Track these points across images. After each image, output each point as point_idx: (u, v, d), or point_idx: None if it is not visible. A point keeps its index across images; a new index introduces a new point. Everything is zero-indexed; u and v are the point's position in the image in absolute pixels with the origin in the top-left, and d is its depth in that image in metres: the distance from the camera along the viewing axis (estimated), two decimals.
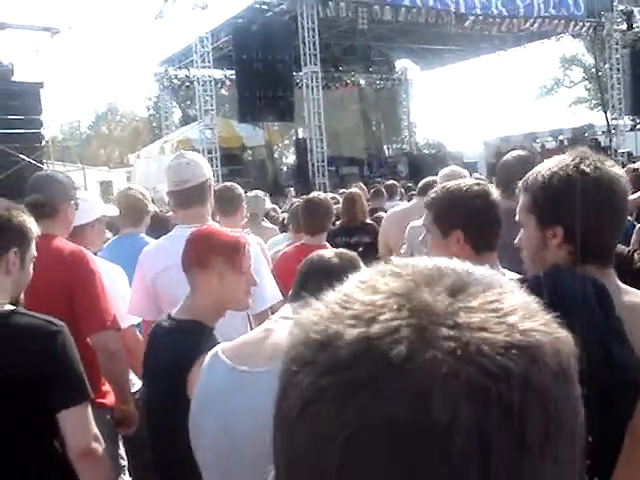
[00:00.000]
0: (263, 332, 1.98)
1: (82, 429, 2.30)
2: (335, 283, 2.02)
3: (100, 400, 3.08)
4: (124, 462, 3.36)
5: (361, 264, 2.14)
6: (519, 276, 1.88)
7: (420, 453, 0.52)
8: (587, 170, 1.67)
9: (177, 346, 2.36)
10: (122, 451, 3.38)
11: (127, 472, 3.38)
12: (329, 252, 2.17)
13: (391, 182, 10.84)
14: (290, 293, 2.11)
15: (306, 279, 2.07)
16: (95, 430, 2.34)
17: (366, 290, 0.60)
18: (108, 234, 4.79)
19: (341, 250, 2.20)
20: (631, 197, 4.87)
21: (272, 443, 0.64)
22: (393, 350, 0.53)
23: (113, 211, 4.45)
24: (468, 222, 2.34)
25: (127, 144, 55.87)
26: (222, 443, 1.89)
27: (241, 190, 5.00)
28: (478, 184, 2.42)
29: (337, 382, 0.55)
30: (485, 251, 2.34)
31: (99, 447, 2.35)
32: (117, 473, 3.16)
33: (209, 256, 2.52)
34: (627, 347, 1.53)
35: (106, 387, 3.26)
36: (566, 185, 1.69)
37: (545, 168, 1.75)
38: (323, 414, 0.55)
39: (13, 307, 2.37)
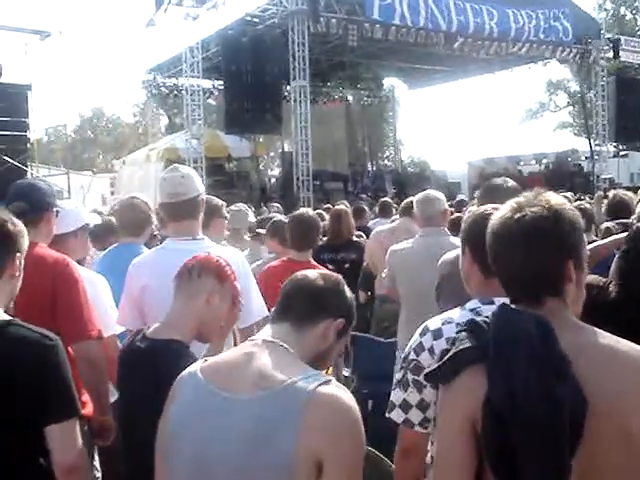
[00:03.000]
0: (244, 355, 1.90)
1: (70, 444, 2.28)
2: (321, 305, 2.02)
3: None
4: (98, 474, 3.33)
5: (345, 286, 2.14)
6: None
7: None
8: (501, 214, 1.78)
9: (163, 365, 2.32)
10: (97, 462, 3.34)
11: None
12: (314, 273, 2.12)
13: (386, 200, 10.65)
14: (272, 313, 2.08)
15: (289, 300, 2.04)
16: (81, 446, 2.32)
17: None
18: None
19: (325, 271, 2.19)
20: (611, 238, 4.88)
21: None
22: None
23: (96, 219, 4.42)
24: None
25: (112, 150, 55.73)
26: (196, 468, 1.82)
27: (220, 202, 4.97)
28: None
29: None
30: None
31: (85, 463, 2.33)
32: None
33: (229, 275, 2.61)
34: (570, 385, 1.53)
35: (85, 397, 3.23)
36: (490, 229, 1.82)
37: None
38: None
39: (10, 317, 2.35)
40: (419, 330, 2.33)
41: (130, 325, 3.37)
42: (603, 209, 6.92)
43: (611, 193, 8.04)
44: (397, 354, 5.01)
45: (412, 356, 2.29)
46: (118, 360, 2.69)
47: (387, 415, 2.34)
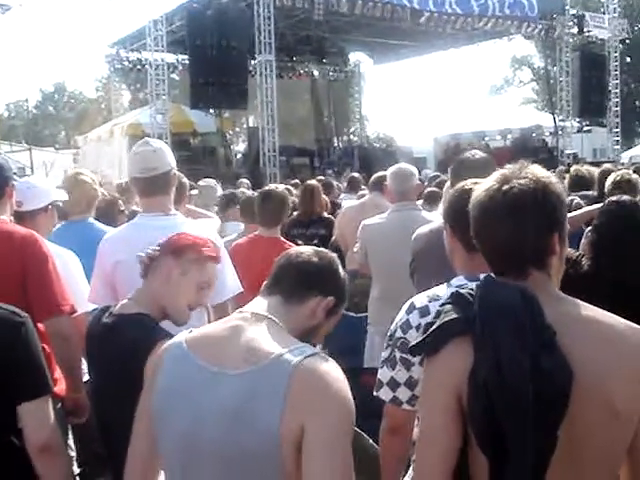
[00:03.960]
0: (232, 329, 1.87)
1: (43, 423, 2.25)
2: (312, 281, 2.00)
3: None
4: (73, 453, 3.30)
5: (339, 266, 2.12)
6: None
7: None
8: (485, 186, 1.76)
9: (129, 338, 2.31)
10: (71, 441, 3.31)
11: (76, 463, 3.32)
12: (309, 250, 2.10)
13: (355, 175, 10.58)
14: (263, 287, 2.05)
15: (282, 275, 2.03)
16: (54, 423, 2.29)
17: None
18: None
19: (321, 249, 2.15)
20: (581, 211, 4.96)
21: None
22: None
23: (64, 196, 4.36)
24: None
25: (74, 125, 54.93)
26: (185, 444, 1.80)
27: (185, 179, 4.92)
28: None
29: None
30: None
31: (59, 441, 2.31)
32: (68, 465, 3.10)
33: (185, 249, 2.55)
34: (556, 357, 1.54)
35: (57, 374, 3.19)
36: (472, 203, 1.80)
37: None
38: None
39: None
40: (405, 307, 2.32)
41: (102, 302, 3.32)
42: (565, 183, 7.01)
43: (572, 168, 8.19)
44: (368, 329, 5.04)
45: (399, 334, 2.28)
46: (85, 338, 2.65)
47: (375, 393, 2.33)
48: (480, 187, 1.79)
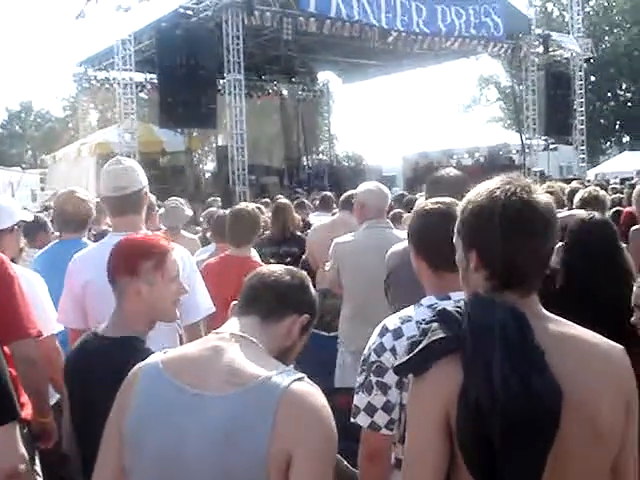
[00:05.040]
0: (211, 350, 1.84)
1: (10, 449, 2.18)
2: (287, 300, 1.99)
3: None
4: (40, 479, 3.22)
5: (310, 283, 2.11)
6: None
7: None
8: (501, 197, 1.65)
9: (114, 362, 2.24)
10: (38, 467, 3.23)
11: None
12: (280, 268, 2.10)
13: (327, 193, 10.55)
14: (236, 307, 2.03)
15: (256, 295, 2.01)
16: (22, 450, 2.23)
17: None
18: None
19: (291, 268, 2.14)
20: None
21: None
22: None
23: (29, 216, 4.29)
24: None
25: (41, 145, 54.49)
26: (166, 466, 1.76)
27: (153, 198, 4.88)
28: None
29: None
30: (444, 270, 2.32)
31: (25, 468, 2.24)
32: None
33: (139, 262, 2.47)
34: (546, 377, 1.53)
35: (24, 399, 3.12)
36: (481, 211, 1.68)
37: (473, 192, 1.75)
38: None
39: None
40: (377, 330, 2.30)
41: (71, 323, 3.27)
42: None
43: (545, 185, 8.27)
44: (339, 348, 5.01)
45: (373, 357, 2.25)
46: (68, 361, 2.60)
47: (352, 420, 2.30)
48: (488, 195, 1.70)
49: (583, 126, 27.36)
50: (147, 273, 2.48)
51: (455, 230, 1.79)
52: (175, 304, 2.62)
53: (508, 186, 1.68)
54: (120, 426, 1.85)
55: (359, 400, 2.29)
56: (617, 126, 47.41)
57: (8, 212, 3.71)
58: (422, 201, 3.45)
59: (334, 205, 9.46)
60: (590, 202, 5.49)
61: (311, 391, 1.76)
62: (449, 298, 2.15)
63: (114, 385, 1.94)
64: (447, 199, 2.45)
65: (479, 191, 1.72)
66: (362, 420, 2.28)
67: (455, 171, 3.53)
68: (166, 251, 2.55)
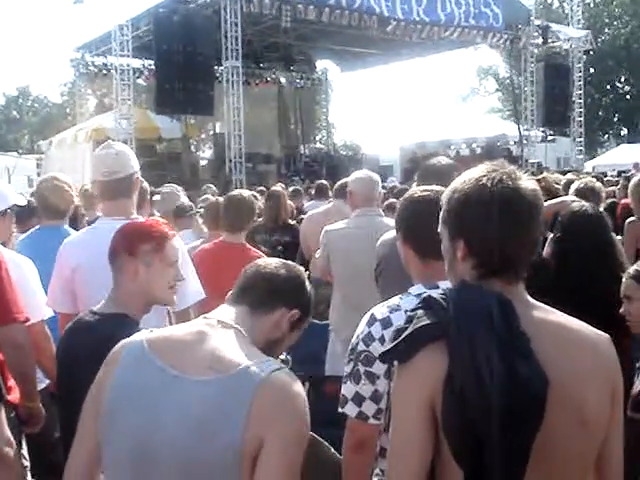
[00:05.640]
0: (197, 334, 1.84)
1: None
2: (279, 293, 1.99)
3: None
4: (27, 463, 3.22)
5: (306, 279, 2.10)
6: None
7: None
8: (488, 184, 1.64)
9: (101, 335, 2.24)
10: (25, 451, 3.23)
11: (29, 473, 3.23)
12: (277, 261, 2.10)
13: (323, 181, 10.53)
14: (230, 295, 2.03)
15: (250, 285, 2.01)
16: (8, 433, 2.22)
17: None
18: None
19: (289, 262, 2.14)
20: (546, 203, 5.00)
21: None
22: None
23: (23, 201, 4.27)
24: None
25: (38, 130, 54.32)
26: (140, 447, 1.75)
27: (146, 184, 4.85)
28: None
29: None
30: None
31: (11, 451, 2.24)
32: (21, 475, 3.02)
33: (138, 243, 2.52)
34: (531, 363, 1.52)
35: (10, 383, 3.11)
36: (467, 199, 1.66)
37: (458, 181, 1.73)
38: None
39: None
40: (365, 319, 2.28)
41: (61, 307, 3.26)
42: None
43: (541, 176, 8.26)
44: (330, 336, 5.00)
45: (361, 347, 2.24)
46: (61, 338, 2.63)
47: (340, 410, 2.30)
48: (475, 182, 1.68)
49: (581, 118, 27.36)
50: (145, 254, 2.52)
51: (440, 219, 1.77)
52: (173, 289, 2.65)
53: (494, 174, 1.66)
54: (99, 401, 1.84)
55: (347, 390, 2.27)
56: (615, 119, 47.45)
57: (1, 195, 3.69)
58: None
59: (330, 194, 9.46)
60: (586, 193, 5.48)
61: (288, 380, 1.76)
62: (437, 287, 2.13)
63: (96, 359, 1.94)
64: (436, 187, 2.41)
65: (464, 179, 1.70)
66: (350, 410, 2.27)
67: (446, 159, 3.50)
68: (166, 236, 2.59)
